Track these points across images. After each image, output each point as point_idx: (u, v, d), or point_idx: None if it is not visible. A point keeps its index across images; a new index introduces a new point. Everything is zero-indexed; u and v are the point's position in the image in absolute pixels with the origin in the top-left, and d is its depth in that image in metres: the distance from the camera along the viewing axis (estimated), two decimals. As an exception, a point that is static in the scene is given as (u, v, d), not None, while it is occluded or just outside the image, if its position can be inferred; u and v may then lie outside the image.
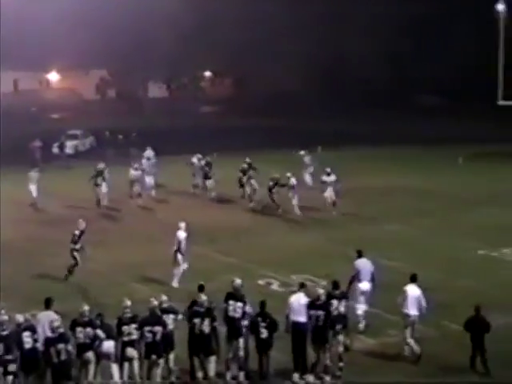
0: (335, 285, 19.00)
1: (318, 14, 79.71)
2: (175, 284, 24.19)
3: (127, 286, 23.98)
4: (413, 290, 19.51)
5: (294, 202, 34.91)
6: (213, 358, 17.73)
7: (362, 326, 20.58)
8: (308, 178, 40.65)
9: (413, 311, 19.36)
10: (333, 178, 35.01)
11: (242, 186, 37.99)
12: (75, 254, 25.21)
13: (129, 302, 17.46)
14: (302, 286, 18.94)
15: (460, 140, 55.41)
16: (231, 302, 18.15)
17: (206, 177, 39.28)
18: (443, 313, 20.78)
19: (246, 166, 38.28)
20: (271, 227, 33.31)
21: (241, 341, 18.05)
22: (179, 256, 24.40)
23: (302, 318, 18.10)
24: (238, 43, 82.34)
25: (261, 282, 24.38)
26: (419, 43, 79.76)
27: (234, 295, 18.36)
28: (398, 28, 78.93)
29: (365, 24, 78.73)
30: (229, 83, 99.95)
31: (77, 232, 25.48)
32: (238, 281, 18.60)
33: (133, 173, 37.84)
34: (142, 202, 37.07)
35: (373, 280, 20.88)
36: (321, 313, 18.02)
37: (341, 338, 18.48)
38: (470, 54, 74.36)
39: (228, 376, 17.96)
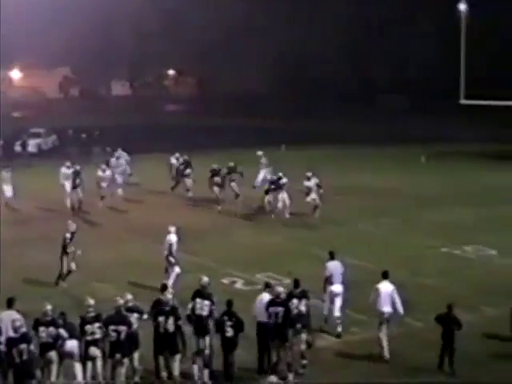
0: (296, 283, 18.99)
1: (282, 15, 79.87)
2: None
3: (90, 286, 23.81)
4: (385, 287, 19.48)
5: (287, 203, 33.82)
6: (177, 357, 17.66)
7: (339, 329, 20.43)
8: (260, 178, 40.36)
9: (386, 308, 19.33)
10: (313, 182, 33.46)
11: (219, 186, 36.44)
12: (65, 258, 24.42)
13: (92, 301, 17.32)
14: (266, 286, 18.95)
15: (423, 139, 55.81)
16: (198, 300, 18.08)
17: (183, 175, 38.88)
18: (407, 310, 20.81)
19: (225, 169, 37.79)
20: (236, 227, 33.26)
21: (207, 339, 18.00)
22: (172, 260, 23.76)
23: (266, 318, 18.12)
24: (201, 42, 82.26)
25: (225, 280, 24.32)
26: (382, 43, 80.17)
27: (202, 293, 18.30)
28: (362, 28, 79.38)
29: (328, 24, 78.99)
30: (192, 82, 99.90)
31: (68, 235, 24.70)
32: (206, 279, 18.53)
33: (100, 174, 37.08)
34: (111, 202, 36.74)
35: (344, 282, 20.73)
36: (280, 309, 17.95)
37: (303, 336, 18.47)
38: (433, 54, 74.87)
39: (195, 374, 17.92)
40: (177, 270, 23.39)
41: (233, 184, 36.70)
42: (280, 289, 18.47)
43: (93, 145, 49.25)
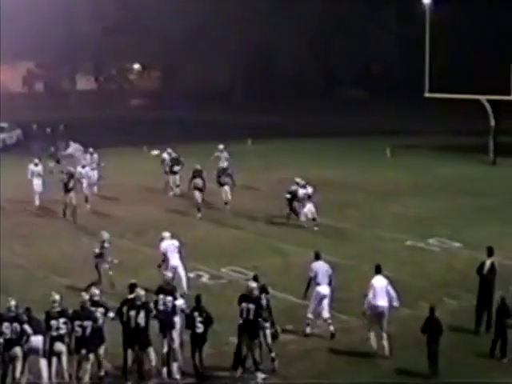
0: (255, 278, 19.04)
1: (246, 10, 79.74)
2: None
3: (51, 280, 23.71)
4: (379, 281, 19.53)
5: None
6: (151, 349, 17.62)
7: (332, 329, 20.16)
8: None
9: (382, 302, 19.32)
10: (310, 190, 31.42)
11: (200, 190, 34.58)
12: (101, 267, 23.20)
13: (57, 297, 17.23)
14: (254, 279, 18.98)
15: (387, 132, 56.09)
16: (161, 296, 18.10)
17: (172, 172, 38.26)
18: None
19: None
20: (198, 221, 33.25)
21: (174, 334, 18.00)
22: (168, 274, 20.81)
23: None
24: (166, 36, 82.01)
25: (191, 274, 24.31)
26: (344, 36, 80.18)
27: (164, 289, 18.34)
28: (325, 22, 79.40)
29: (291, 19, 78.98)
30: (156, 76, 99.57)
31: (105, 244, 23.32)
32: (169, 274, 18.53)
33: (80, 170, 36.23)
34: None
35: (330, 283, 20.41)
36: (252, 306, 18.02)
37: (267, 331, 18.54)
38: (398, 47, 75.05)
39: (164, 371, 17.94)
40: (169, 274, 20.35)
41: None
42: (253, 285, 18.49)
43: (58, 139, 48.88)
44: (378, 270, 19.84)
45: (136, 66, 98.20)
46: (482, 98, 46.58)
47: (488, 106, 46.87)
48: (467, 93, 46.45)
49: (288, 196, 31.78)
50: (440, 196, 37.48)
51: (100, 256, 23.16)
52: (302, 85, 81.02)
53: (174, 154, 39.12)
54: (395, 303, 19.60)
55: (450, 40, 47.29)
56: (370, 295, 19.47)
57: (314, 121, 65.33)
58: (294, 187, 31.79)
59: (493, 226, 31.57)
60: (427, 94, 49.17)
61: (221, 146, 40.56)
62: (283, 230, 30.59)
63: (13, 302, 17.09)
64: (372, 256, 22.19)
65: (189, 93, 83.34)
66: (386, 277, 19.80)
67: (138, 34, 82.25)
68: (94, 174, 38.20)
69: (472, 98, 46.93)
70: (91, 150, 40.80)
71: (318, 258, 20.80)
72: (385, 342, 19.21)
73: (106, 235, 23.36)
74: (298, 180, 32.02)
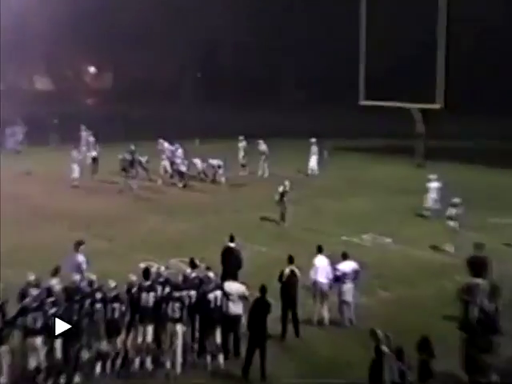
0: (193, 264, 19.12)
1: (193, 4, 78.71)
2: None
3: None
4: (320, 261, 20.64)
5: None
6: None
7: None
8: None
9: (321, 279, 20.40)
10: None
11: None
12: None
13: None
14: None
15: (326, 135, 56.04)
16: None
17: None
18: (307, 294, 21.11)
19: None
20: (149, 214, 33.22)
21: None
22: None
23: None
24: (113, 34, 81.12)
25: (142, 264, 24.27)
26: (288, 39, 79.91)
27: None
28: (271, 26, 79.09)
29: (238, 23, 78.43)
30: (107, 74, 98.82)
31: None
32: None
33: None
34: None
35: (336, 279, 20.68)
36: (218, 293, 18.13)
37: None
38: (336, 54, 74.88)
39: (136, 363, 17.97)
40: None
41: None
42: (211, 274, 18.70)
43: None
44: (320, 250, 20.97)
45: (91, 69, 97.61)
46: (412, 106, 47.09)
47: (416, 114, 47.38)
48: (398, 101, 46.88)
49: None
50: (373, 194, 37.90)
51: None
52: (247, 84, 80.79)
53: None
54: (329, 278, 20.53)
55: (383, 50, 47.39)
56: (312, 273, 20.55)
57: (259, 122, 65.21)
58: (281, 188, 31.91)
59: (422, 224, 32.08)
60: (362, 102, 49.62)
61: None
62: (227, 222, 30.65)
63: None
64: (309, 250, 22.34)
65: (136, 89, 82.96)
66: (327, 257, 20.75)
67: (86, 36, 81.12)
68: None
69: (402, 106, 47.42)
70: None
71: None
72: (325, 313, 20.47)
73: None
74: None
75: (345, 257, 20.92)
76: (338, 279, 20.57)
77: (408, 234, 30.15)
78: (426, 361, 15.53)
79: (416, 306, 21.95)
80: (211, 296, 18.05)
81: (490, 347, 16.83)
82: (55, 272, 18.52)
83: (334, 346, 19.46)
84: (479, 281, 20.44)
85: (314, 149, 43.68)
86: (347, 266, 20.66)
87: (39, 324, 16.77)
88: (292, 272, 20.08)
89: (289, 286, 19.97)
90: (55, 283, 18.07)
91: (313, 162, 43.53)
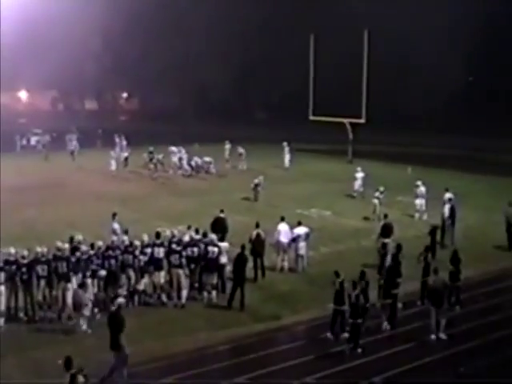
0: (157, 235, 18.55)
1: (162, 19, 73.12)
2: None
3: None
4: (283, 227, 20.84)
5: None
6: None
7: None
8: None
9: (283, 239, 20.59)
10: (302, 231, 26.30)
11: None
12: None
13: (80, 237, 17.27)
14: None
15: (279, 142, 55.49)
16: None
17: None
18: (271, 249, 21.13)
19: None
20: (165, 195, 33.07)
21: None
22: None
23: None
24: (143, 70, 79.24)
25: (159, 229, 24.24)
26: (258, 71, 77.62)
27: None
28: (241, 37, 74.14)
29: (205, 34, 73.96)
30: (136, 100, 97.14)
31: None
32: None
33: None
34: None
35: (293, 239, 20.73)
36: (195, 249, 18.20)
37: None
38: (291, 71, 67.51)
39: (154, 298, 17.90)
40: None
41: None
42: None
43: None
44: (283, 219, 21.18)
45: (124, 95, 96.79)
46: (345, 120, 46.91)
47: (348, 125, 47.17)
48: (335, 116, 46.52)
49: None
50: (316, 182, 37.78)
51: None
52: (227, 108, 79.25)
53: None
54: (288, 240, 20.70)
55: (328, 75, 45.87)
56: (276, 235, 20.72)
57: (237, 132, 64.30)
58: (256, 180, 31.85)
59: (349, 201, 32.22)
60: (311, 117, 49.20)
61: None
62: (213, 200, 30.28)
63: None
64: (275, 220, 22.37)
65: (157, 112, 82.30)
66: (287, 223, 20.88)
67: (123, 71, 79.21)
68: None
69: (337, 120, 47.11)
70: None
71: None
72: (285, 263, 20.68)
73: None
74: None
75: (299, 224, 20.96)
76: (294, 239, 20.62)
77: (341, 209, 30.27)
78: (365, 289, 15.96)
79: (345, 257, 22.12)
80: (210, 250, 18.12)
81: (397, 285, 17.06)
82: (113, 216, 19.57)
83: (290, 285, 19.57)
84: (389, 240, 20.86)
85: (286, 149, 43.18)
86: (301, 230, 20.69)
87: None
88: (258, 234, 20.19)
89: (256, 244, 19.97)
90: (116, 227, 19.22)
91: (286, 159, 42.68)
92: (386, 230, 21.55)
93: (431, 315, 16.07)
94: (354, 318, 15.17)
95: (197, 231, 19.28)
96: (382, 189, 28.09)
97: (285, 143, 43.32)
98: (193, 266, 18.15)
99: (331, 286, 15.95)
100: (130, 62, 78.95)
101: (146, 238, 18.37)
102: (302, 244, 20.63)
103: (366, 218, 28.01)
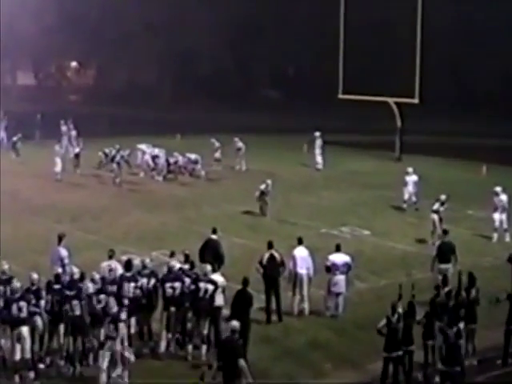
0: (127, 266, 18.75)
1: (169, 13, 78.83)
2: None
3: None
4: (300, 252, 20.60)
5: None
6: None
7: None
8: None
9: (301, 270, 20.37)
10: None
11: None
12: None
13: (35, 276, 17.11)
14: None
15: (302, 130, 55.97)
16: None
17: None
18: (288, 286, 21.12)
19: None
20: (131, 207, 33.20)
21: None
22: None
23: None
24: (100, 36, 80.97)
25: (124, 257, 24.23)
26: (260, 38, 79.25)
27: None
28: (241, 22, 78.34)
29: (213, 23, 78.07)
30: (91, 73, 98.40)
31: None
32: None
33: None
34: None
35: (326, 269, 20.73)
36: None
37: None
38: (313, 48, 74.13)
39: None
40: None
41: None
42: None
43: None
44: (300, 242, 20.97)
45: (73, 64, 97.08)
46: (390, 100, 47.20)
47: (395, 108, 47.50)
48: (377, 95, 46.90)
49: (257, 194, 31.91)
50: (350, 189, 37.94)
51: None
52: (223, 85, 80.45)
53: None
54: (311, 272, 20.56)
55: (363, 43, 47.03)
56: (291, 264, 20.47)
57: (234, 119, 64.95)
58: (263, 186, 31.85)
59: (396, 216, 32.20)
60: (341, 96, 49.44)
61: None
62: (204, 216, 30.71)
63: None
64: (289, 242, 22.37)
65: (120, 89, 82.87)
66: (307, 247, 20.78)
67: (73, 34, 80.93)
68: None
69: (381, 100, 47.45)
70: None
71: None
72: (305, 305, 20.50)
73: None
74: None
75: (338, 249, 20.81)
76: (329, 269, 20.47)
77: (385, 227, 30.26)
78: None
79: (390, 295, 21.92)
80: (202, 287, 18.02)
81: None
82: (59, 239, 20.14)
83: (313, 336, 19.50)
84: (449, 266, 20.94)
85: (318, 142, 43.46)
86: (339, 258, 20.54)
87: (24, 314, 16.72)
88: (272, 256, 20.19)
89: (270, 269, 20.09)
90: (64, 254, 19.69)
91: (319, 156, 43.29)
92: (445, 252, 21.54)
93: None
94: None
95: (186, 258, 19.17)
96: (443, 198, 27.99)
97: (317, 133, 43.55)
98: (173, 308, 18.07)
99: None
100: (82, 19, 79.61)
101: (106, 269, 18.32)
102: (339, 277, 20.45)
103: (420, 241, 27.95)
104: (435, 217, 27.71)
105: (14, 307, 16.59)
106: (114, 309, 16.68)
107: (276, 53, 79.07)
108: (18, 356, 16.44)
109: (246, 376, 14.53)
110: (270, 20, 78.21)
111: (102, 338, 17.17)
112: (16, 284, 17.00)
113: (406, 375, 16.60)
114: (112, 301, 16.89)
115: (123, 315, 16.80)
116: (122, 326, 16.65)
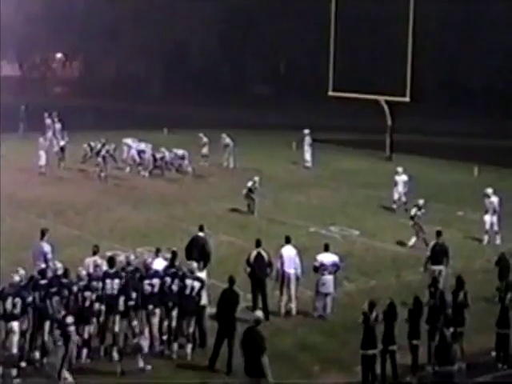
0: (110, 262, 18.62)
1: (161, 4, 78.73)
2: None
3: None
4: (288, 251, 20.53)
5: None
6: None
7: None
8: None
9: (288, 269, 20.27)
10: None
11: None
12: None
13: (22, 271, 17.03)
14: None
15: (294, 127, 55.91)
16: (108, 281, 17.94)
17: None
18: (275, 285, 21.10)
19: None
20: (116, 203, 33.10)
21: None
22: None
23: None
24: (88, 28, 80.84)
25: (109, 253, 24.17)
26: (255, 35, 79.43)
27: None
28: (232, 17, 78.46)
29: (205, 18, 78.24)
30: (77, 65, 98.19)
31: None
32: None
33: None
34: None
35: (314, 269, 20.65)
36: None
37: None
38: (304, 45, 74.18)
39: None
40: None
41: None
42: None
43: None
44: (288, 241, 20.85)
45: (58, 56, 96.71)
46: (381, 98, 47.17)
47: (386, 106, 47.53)
48: (367, 93, 46.90)
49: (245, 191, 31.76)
50: (340, 188, 37.93)
51: None
52: (213, 80, 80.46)
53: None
54: (298, 272, 20.50)
55: (354, 40, 47.07)
56: (278, 263, 20.37)
57: (224, 114, 64.98)
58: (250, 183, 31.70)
59: (386, 216, 32.22)
60: (331, 93, 49.38)
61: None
62: (190, 213, 30.69)
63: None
64: (277, 241, 22.35)
65: (106, 82, 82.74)
66: (295, 247, 20.72)
67: (59, 25, 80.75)
68: None
69: (371, 98, 47.44)
70: None
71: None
72: (292, 305, 20.45)
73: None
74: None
75: (326, 249, 20.76)
76: (316, 269, 20.40)
77: (374, 227, 30.26)
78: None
79: (380, 296, 21.91)
80: (188, 285, 17.96)
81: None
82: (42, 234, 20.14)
83: (301, 337, 19.50)
84: (442, 267, 20.99)
85: (308, 139, 43.40)
86: (327, 258, 20.47)
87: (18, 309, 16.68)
88: (259, 255, 20.16)
89: (257, 268, 20.05)
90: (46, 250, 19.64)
91: (308, 153, 43.23)
92: (438, 253, 21.59)
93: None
94: None
95: (173, 256, 19.08)
96: (421, 203, 27.35)
97: (306, 131, 43.49)
98: (151, 306, 17.96)
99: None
100: (69, 9, 79.37)
101: (91, 265, 18.28)
102: (327, 278, 20.40)
103: (401, 244, 27.89)
104: (411, 223, 27.41)
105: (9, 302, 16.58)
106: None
107: (267, 49, 79.16)
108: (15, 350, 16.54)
109: (266, 374, 14.69)
110: (262, 16, 78.26)
111: (86, 335, 17.21)
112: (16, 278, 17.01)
113: (393, 375, 16.69)
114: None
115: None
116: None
